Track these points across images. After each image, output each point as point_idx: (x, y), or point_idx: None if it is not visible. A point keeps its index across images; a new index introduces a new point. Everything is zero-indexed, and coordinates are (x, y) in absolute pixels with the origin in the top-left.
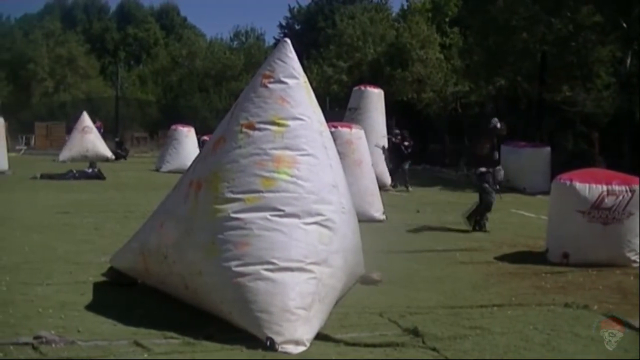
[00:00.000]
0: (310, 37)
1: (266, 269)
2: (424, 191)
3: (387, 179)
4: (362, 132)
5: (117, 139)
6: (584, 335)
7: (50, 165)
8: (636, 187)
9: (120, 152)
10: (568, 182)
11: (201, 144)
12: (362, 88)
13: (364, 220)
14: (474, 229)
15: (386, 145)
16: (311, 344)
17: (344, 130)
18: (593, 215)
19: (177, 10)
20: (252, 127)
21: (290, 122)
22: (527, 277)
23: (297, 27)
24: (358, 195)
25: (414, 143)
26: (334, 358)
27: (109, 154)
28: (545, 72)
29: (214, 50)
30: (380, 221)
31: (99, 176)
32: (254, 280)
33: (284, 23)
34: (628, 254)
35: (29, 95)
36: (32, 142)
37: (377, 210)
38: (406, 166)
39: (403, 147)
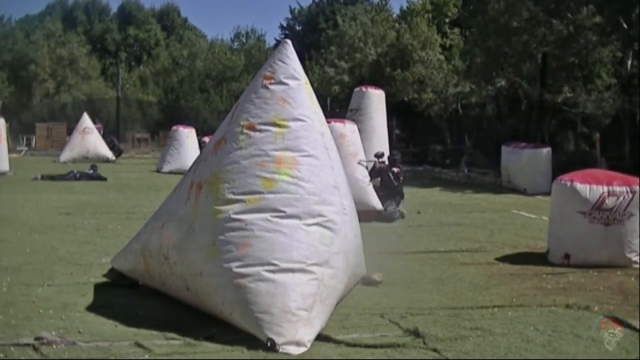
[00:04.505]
0: (311, 38)
1: (267, 270)
2: (424, 192)
3: None
4: (355, 127)
5: (108, 139)
6: (585, 336)
7: (51, 166)
8: (637, 187)
9: (113, 152)
10: (569, 183)
11: (201, 144)
12: (363, 89)
13: (363, 209)
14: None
15: (369, 167)
16: (312, 345)
17: (337, 124)
18: (594, 216)
19: (178, 11)
20: (253, 128)
21: (291, 123)
22: (528, 278)
23: (298, 28)
24: (356, 185)
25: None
26: (335, 359)
27: (109, 154)
28: (546, 73)
29: (215, 51)
30: (379, 211)
31: (101, 177)
32: (255, 281)
33: (284, 24)
34: (629, 255)
35: (30, 96)
36: (33, 143)
37: (375, 199)
38: (393, 206)
39: (391, 176)
